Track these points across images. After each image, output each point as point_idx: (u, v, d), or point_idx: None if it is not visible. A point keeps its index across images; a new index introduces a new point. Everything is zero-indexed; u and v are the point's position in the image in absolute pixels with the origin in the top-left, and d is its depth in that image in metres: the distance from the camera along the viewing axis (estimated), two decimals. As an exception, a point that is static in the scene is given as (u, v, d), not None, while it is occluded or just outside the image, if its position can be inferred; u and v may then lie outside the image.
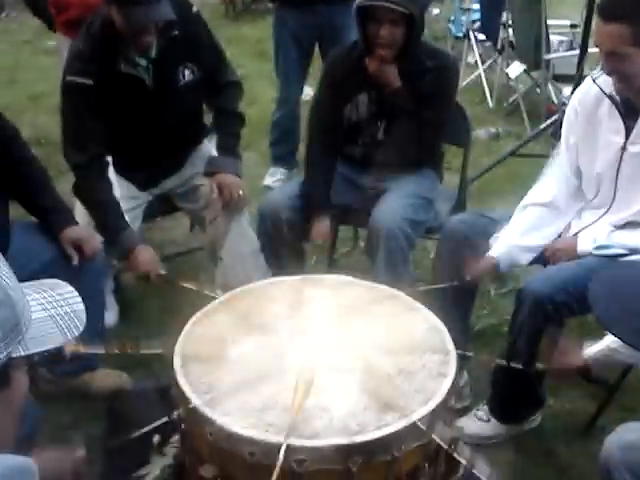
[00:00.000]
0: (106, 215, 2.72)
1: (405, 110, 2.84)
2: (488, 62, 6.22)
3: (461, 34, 6.85)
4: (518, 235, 2.52)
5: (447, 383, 1.73)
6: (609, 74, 2.29)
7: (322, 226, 2.96)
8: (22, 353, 1.04)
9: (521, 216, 2.57)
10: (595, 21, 2.27)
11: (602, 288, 1.71)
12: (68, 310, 1.13)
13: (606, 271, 1.88)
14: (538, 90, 5.69)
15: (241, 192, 2.81)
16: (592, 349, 2.06)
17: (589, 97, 2.46)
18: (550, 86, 5.49)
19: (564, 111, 4.22)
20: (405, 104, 2.83)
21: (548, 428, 2.64)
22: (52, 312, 1.12)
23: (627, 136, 2.37)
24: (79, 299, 1.17)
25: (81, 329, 1.14)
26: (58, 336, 1.11)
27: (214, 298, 2.09)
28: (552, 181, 2.60)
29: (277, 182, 4.41)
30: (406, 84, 2.82)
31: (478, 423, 2.57)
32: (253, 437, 1.56)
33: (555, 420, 2.67)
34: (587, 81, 2.49)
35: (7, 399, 1.05)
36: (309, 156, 3.13)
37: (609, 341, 2.02)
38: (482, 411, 2.60)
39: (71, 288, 1.19)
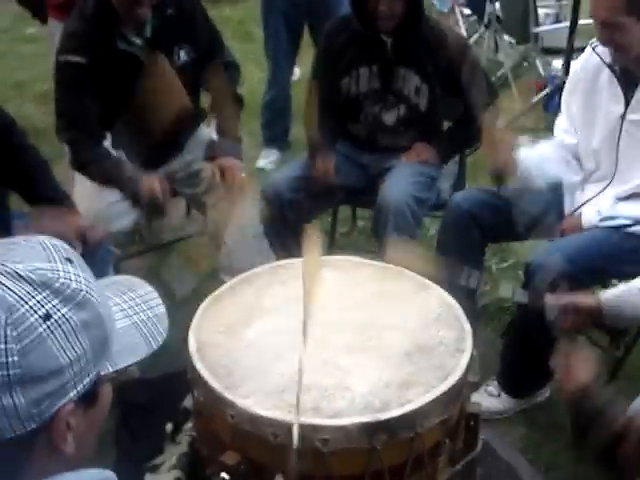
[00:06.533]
0: (109, 170, 2.69)
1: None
2: (475, 37, 6.20)
3: (446, 9, 6.80)
4: (544, 158, 2.56)
5: (465, 358, 1.73)
6: (604, 44, 2.30)
7: (326, 162, 2.92)
8: (110, 369, 0.97)
9: (544, 148, 2.61)
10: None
11: None
12: (150, 315, 1.06)
13: None
14: (526, 64, 5.69)
15: (243, 175, 2.79)
16: (607, 292, 2.02)
17: (590, 65, 2.47)
18: (538, 59, 5.48)
19: (555, 84, 4.26)
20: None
21: (557, 401, 2.64)
22: (135, 319, 1.04)
23: (627, 105, 2.38)
24: (159, 300, 1.09)
25: (164, 335, 1.06)
26: (143, 346, 1.03)
27: (222, 283, 2.07)
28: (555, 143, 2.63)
29: (271, 164, 4.39)
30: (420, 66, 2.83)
31: (489, 398, 2.58)
32: (276, 418, 1.55)
33: (564, 393, 2.68)
34: (587, 50, 2.49)
35: (93, 417, 0.97)
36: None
37: (625, 285, 2.00)
38: (492, 386, 2.62)
39: (149, 287, 1.11)
